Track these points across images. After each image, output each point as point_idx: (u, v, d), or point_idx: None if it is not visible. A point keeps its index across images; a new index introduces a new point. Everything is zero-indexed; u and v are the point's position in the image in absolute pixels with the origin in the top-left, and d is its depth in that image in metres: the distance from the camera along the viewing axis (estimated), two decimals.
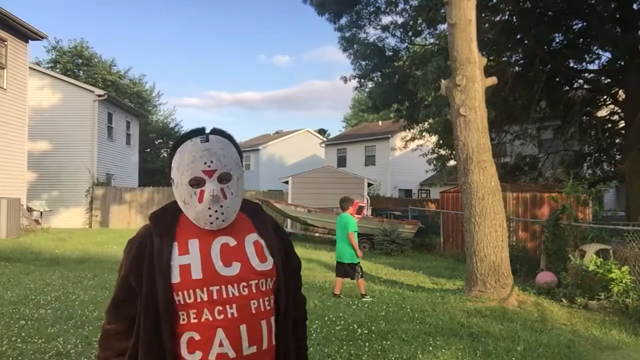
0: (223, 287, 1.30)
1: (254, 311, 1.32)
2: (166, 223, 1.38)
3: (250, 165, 35.05)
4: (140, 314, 1.31)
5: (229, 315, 1.29)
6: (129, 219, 20.20)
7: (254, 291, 1.33)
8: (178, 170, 1.36)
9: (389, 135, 29.21)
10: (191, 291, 1.28)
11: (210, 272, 1.30)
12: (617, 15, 13.06)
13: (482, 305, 6.57)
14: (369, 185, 19.36)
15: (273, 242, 1.43)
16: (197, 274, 1.29)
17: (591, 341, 5.36)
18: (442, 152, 16.96)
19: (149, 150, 32.95)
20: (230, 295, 1.30)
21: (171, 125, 36.16)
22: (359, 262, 7.35)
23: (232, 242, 1.37)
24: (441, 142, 16.13)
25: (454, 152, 12.39)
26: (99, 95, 20.71)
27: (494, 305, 6.56)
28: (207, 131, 1.40)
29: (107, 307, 1.42)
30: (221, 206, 1.33)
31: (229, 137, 1.43)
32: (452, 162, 16.25)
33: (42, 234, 15.03)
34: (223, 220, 1.35)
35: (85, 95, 20.68)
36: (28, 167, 16.82)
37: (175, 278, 1.28)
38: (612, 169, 16.57)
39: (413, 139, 17.92)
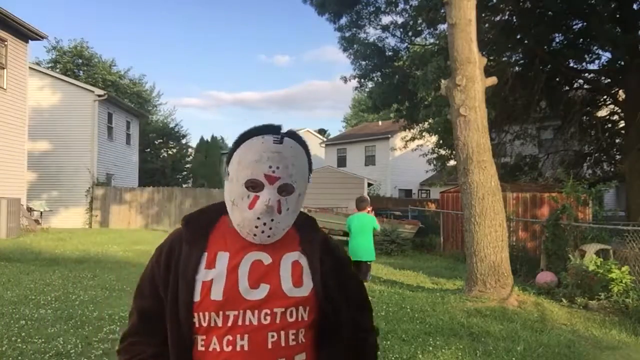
0: (242, 312, 1.13)
1: (270, 346, 1.13)
2: (199, 229, 1.22)
3: None
4: (167, 315, 1.19)
5: (238, 348, 1.12)
6: (129, 219, 20.21)
7: (278, 321, 1.14)
8: (239, 165, 1.17)
9: (389, 135, 29.22)
10: (207, 314, 1.13)
11: (233, 294, 1.14)
12: (617, 15, 13.05)
13: (482, 305, 6.56)
14: (369, 185, 19.41)
15: (318, 263, 1.23)
16: (217, 294, 1.13)
17: (591, 341, 5.36)
18: (442, 152, 16.94)
19: (149, 150, 32.91)
20: (247, 323, 1.13)
21: (171, 125, 36.12)
22: (372, 261, 7.54)
23: (267, 259, 1.19)
24: (441, 142, 16.11)
25: (454, 152, 12.38)
26: (99, 95, 20.71)
27: (494, 305, 6.56)
28: (283, 131, 1.22)
29: (129, 327, 1.24)
30: (272, 220, 1.15)
31: (304, 145, 1.24)
32: (452, 162, 16.23)
33: (42, 234, 15.03)
34: (269, 236, 1.17)
35: (85, 95, 20.68)
36: (28, 167, 16.82)
37: (197, 296, 1.14)
38: (612, 169, 16.56)
39: (413, 139, 17.90)
